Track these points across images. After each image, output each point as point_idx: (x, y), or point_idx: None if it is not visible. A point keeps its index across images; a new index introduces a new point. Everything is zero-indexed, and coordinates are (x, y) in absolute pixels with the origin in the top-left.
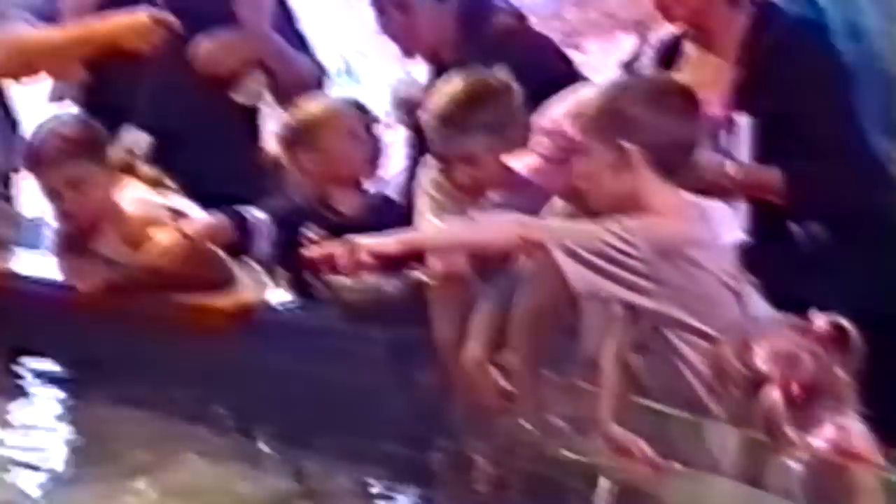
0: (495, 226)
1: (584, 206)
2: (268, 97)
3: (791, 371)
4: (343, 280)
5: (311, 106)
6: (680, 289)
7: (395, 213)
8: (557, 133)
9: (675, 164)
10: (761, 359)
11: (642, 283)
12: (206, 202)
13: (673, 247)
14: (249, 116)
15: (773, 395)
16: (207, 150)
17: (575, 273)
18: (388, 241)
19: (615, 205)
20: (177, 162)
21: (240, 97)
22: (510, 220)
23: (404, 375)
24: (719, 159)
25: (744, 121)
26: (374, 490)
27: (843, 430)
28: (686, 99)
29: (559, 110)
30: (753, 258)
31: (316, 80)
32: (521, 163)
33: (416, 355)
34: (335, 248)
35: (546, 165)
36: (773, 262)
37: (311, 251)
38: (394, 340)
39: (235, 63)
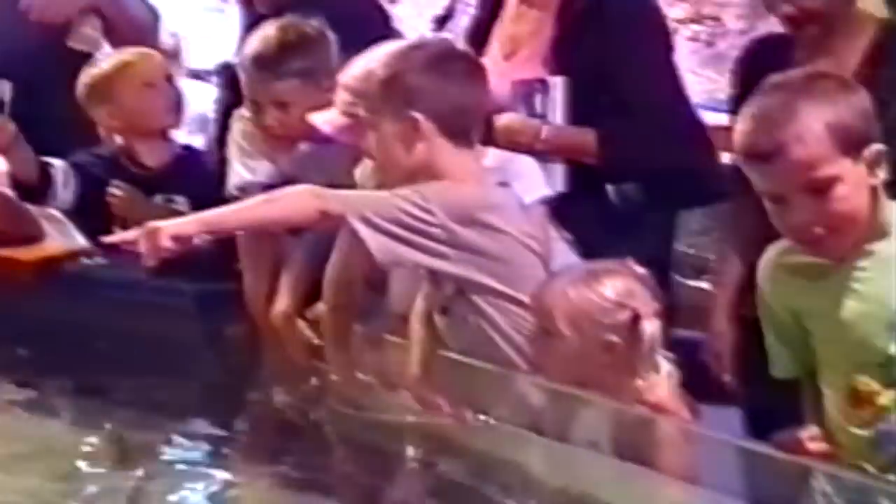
0: (293, 201)
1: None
2: (104, 43)
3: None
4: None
5: (104, 61)
6: (479, 253)
7: (204, 164)
8: (354, 92)
9: (465, 130)
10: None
11: (442, 248)
12: (45, 152)
13: (469, 212)
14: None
15: (650, 326)
16: (45, 100)
17: (376, 244)
18: (187, 224)
19: (410, 175)
20: (19, 110)
21: (75, 44)
22: (307, 193)
23: (212, 328)
24: (533, 123)
25: (558, 81)
26: (182, 442)
27: (650, 384)
28: (469, 64)
29: (357, 70)
30: (570, 216)
31: (150, 24)
32: (323, 118)
33: (224, 308)
34: (136, 234)
35: (348, 122)
36: (588, 220)
37: (113, 238)
38: (202, 293)
39: (70, 10)
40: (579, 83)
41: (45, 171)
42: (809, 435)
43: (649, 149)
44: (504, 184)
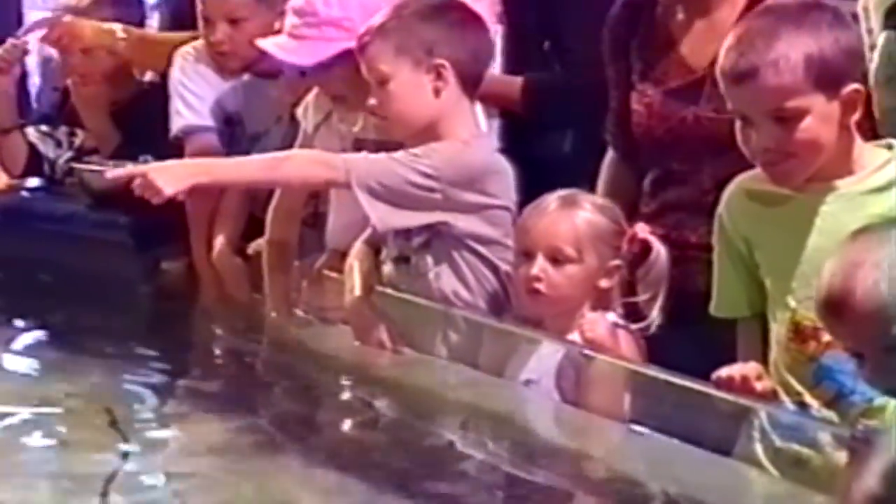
0: (300, 167)
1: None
2: None
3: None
4: (89, 166)
5: None
6: (470, 211)
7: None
8: (308, 13)
9: (477, 80)
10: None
11: (437, 206)
12: None
13: (473, 177)
14: None
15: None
16: None
17: (377, 214)
18: (187, 173)
19: (425, 129)
20: None
21: None
22: (315, 161)
23: (151, 263)
24: None
25: (498, 29)
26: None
27: (590, 320)
28: (468, 13)
29: None
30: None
31: None
32: (271, 42)
33: (163, 243)
34: (134, 173)
35: (298, 46)
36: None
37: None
38: (140, 227)
39: None
40: (518, 33)
41: None
42: (756, 373)
43: (575, 98)
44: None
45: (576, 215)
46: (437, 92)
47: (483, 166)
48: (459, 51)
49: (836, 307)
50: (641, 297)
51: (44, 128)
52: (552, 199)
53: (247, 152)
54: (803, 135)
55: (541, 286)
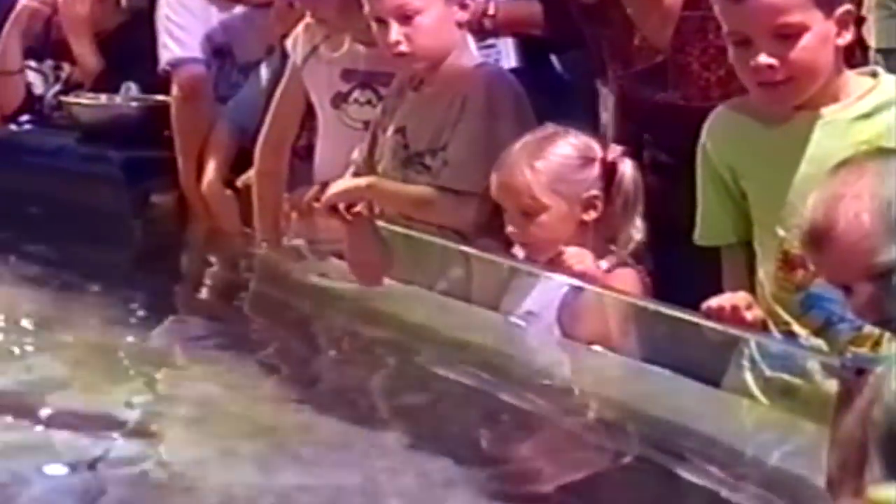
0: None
1: None
2: None
3: None
4: (77, 99)
5: None
6: None
7: None
8: None
9: None
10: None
11: None
12: None
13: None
14: None
15: (628, 167)
16: None
17: None
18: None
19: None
20: None
21: None
22: None
23: (141, 196)
24: (480, 2)
25: None
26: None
27: (579, 252)
28: None
29: None
30: (523, 85)
31: None
32: None
33: (153, 176)
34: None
35: None
36: (539, 92)
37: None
38: (130, 161)
39: None
40: None
41: None
42: (746, 302)
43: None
44: None
45: (530, 166)
46: (460, 24)
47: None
48: None
49: (819, 239)
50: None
51: (31, 63)
52: (513, 153)
53: (237, 83)
54: (803, 53)
55: (520, 238)
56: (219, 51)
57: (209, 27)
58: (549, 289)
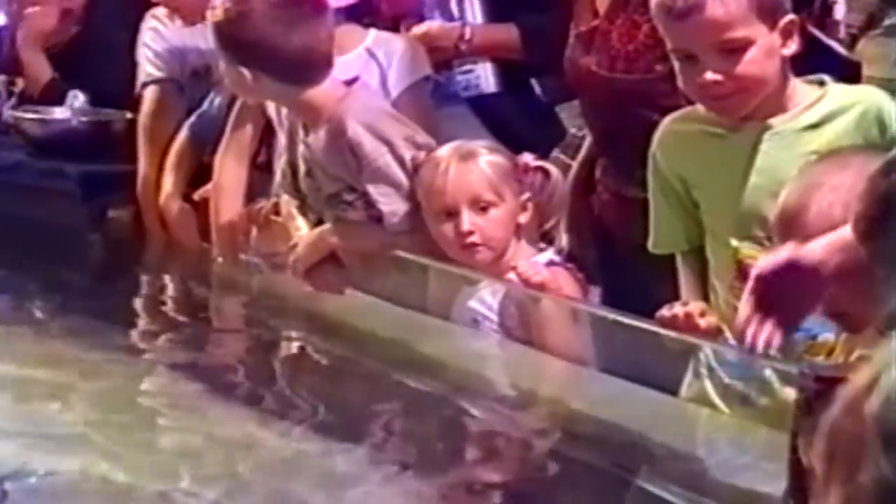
0: None
1: None
2: None
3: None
4: (26, 114)
5: None
6: None
7: None
8: None
9: None
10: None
11: None
12: None
13: None
14: None
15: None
16: None
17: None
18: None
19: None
20: None
21: None
22: None
23: (98, 211)
24: (454, 26)
25: None
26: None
27: (532, 263)
28: None
29: None
30: (501, 114)
31: None
32: None
33: (110, 191)
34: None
35: None
36: (518, 116)
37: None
38: (87, 176)
39: None
40: None
41: None
42: (699, 310)
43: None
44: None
45: (479, 161)
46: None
47: None
48: None
49: (788, 223)
50: (550, 225)
51: None
52: (448, 156)
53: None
54: (750, 67)
55: (475, 238)
56: (196, 73)
57: (186, 50)
58: (496, 292)
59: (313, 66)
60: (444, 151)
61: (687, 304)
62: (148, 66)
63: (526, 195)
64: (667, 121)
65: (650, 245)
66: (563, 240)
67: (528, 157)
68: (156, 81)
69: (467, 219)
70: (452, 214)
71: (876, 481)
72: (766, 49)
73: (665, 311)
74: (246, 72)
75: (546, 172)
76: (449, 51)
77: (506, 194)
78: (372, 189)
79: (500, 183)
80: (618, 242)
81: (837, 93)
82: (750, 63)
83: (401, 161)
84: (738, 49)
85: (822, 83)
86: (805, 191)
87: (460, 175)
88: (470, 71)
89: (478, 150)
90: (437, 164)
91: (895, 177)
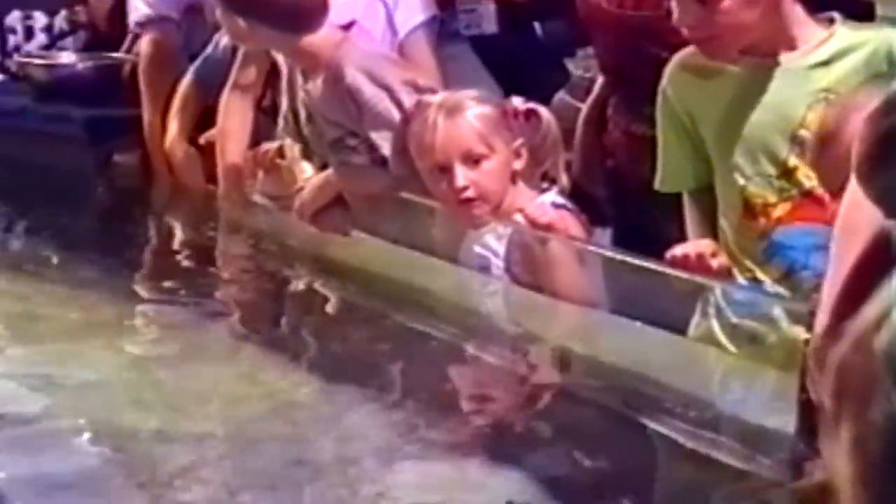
0: None
1: None
2: None
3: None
4: (32, 59)
5: None
6: None
7: None
8: None
9: None
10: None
11: None
12: None
13: None
14: None
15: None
16: None
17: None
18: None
19: None
20: None
21: None
22: None
23: (104, 155)
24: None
25: None
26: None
27: (541, 205)
28: None
29: None
30: (501, 55)
31: None
32: None
33: (115, 135)
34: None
35: None
36: (518, 57)
37: None
38: (92, 120)
39: None
40: None
41: None
42: (711, 250)
43: None
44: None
45: (467, 115)
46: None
47: None
48: None
49: (826, 140)
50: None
51: None
52: (435, 111)
53: (210, 40)
54: (724, 17)
55: (470, 192)
56: (190, 8)
57: None
58: (497, 239)
59: (308, 13)
60: (432, 104)
61: (699, 245)
62: (141, 3)
63: (519, 141)
64: (676, 57)
65: (657, 183)
66: (564, 179)
67: (516, 101)
68: (153, 21)
69: (461, 174)
70: (445, 170)
71: (887, 417)
72: None
73: (676, 251)
74: (241, 21)
75: (537, 115)
76: None
77: (496, 144)
78: (374, 134)
79: (489, 134)
80: (628, 180)
81: (848, 31)
82: (725, 14)
83: (400, 105)
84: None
85: (832, 21)
86: (843, 111)
87: (449, 131)
88: (472, 10)
89: (464, 102)
90: (424, 120)
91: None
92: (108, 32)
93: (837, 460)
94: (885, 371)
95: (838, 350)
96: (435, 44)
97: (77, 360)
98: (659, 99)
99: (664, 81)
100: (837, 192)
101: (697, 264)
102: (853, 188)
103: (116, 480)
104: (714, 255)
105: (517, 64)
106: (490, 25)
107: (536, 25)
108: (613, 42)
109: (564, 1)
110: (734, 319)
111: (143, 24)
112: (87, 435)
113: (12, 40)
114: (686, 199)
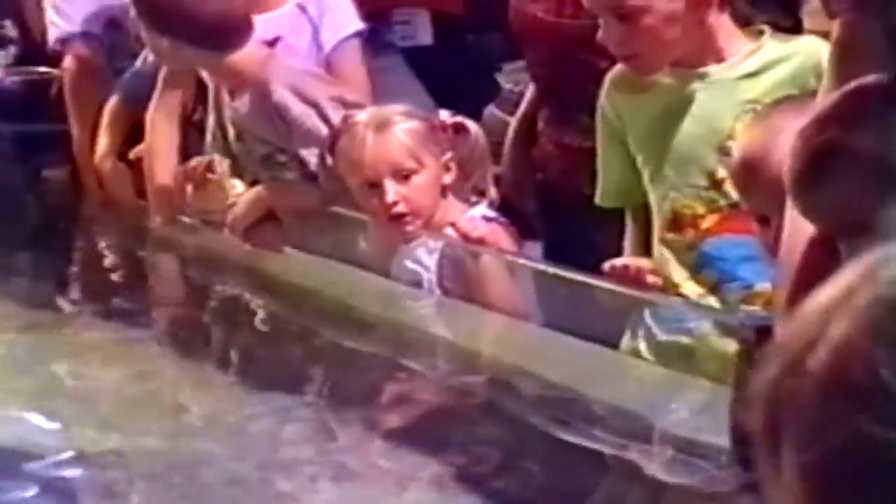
0: None
1: None
2: None
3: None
4: None
5: None
6: None
7: None
8: None
9: None
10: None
11: None
12: None
13: None
14: None
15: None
16: None
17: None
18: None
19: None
20: None
21: None
22: None
23: (33, 171)
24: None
25: None
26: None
27: (471, 219)
28: None
29: None
30: (433, 67)
31: None
32: None
33: (44, 151)
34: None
35: None
36: (450, 70)
37: None
38: (21, 136)
39: None
40: None
41: None
42: (649, 266)
43: None
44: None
45: (395, 130)
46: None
47: None
48: None
49: (751, 169)
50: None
51: None
52: (364, 127)
53: (135, 54)
54: (646, 34)
55: (401, 208)
56: (111, 22)
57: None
58: (428, 254)
59: (231, 31)
60: (360, 120)
61: (639, 260)
62: (60, 20)
63: (448, 155)
64: (610, 73)
65: (598, 198)
66: (492, 192)
67: (444, 115)
68: (73, 37)
69: (391, 189)
70: (375, 186)
71: (848, 441)
72: (666, 16)
73: (616, 262)
74: (164, 40)
75: (465, 128)
76: None
77: (425, 159)
78: (304, 151)
79: (418, 148)
80: (560, 194)
81: (776, 43)
82: (646, 31)
83: (328, 121)
84: (631, 15)
85: (761, 33)
86: (765, 136)
87: (377, 146)
88: (407, 22)
89: (392, 117)
90: (353, 136)
91: (829, 134)
92: (42, 46)
93: (781, 494)
94: (832, 391)
95: (764, 375)
96: (363, 57)
97: None
98: (598, 114)
99: (602, 97)
100: (761, 218)
101: (635, 277)
102: (792, 217)
103: None
104: (653, 272)
105: (451, 76)
106: (425, 37)
107: (470, 38)
108: (548, 52)
109: (498, 14)
110: (661, 337)
111: (65, 41)
112: None
113: None
114: (627, 216)
